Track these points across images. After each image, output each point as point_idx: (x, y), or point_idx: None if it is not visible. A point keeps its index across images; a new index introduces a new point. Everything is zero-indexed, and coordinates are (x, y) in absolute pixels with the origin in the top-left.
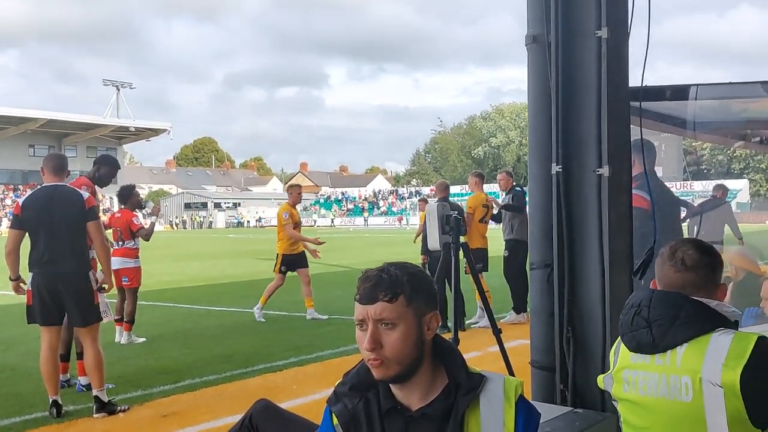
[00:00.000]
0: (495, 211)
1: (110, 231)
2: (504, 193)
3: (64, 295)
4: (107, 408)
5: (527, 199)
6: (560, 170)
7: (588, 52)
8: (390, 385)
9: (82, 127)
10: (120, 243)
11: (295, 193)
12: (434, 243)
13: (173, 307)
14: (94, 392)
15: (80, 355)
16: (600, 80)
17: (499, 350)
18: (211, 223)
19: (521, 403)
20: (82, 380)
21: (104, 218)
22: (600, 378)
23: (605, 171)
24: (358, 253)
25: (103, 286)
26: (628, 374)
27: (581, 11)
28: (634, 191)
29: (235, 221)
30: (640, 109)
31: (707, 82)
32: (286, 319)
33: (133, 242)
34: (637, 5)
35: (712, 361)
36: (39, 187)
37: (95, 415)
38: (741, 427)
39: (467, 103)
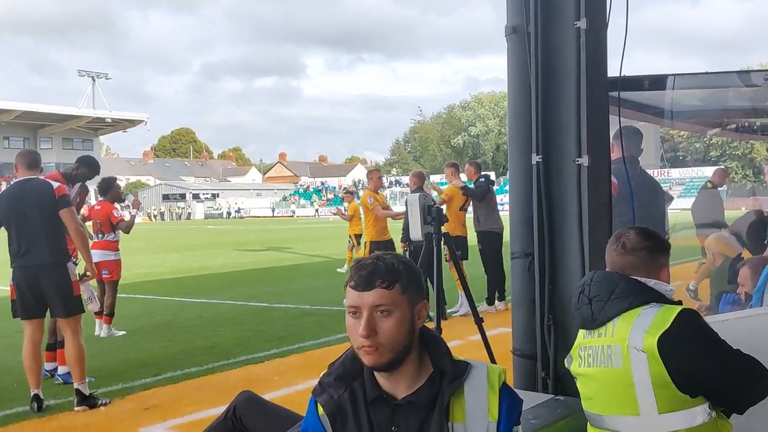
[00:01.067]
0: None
1: (90, 223)
2: (472, 184)
3: (44, 288)
4: (88, 401)
5: (507, 188)
6: (540, 160)
7: (567, 43)
8: (377, 374)
9: (58, 118)
10: (100, 236)
11: (375, 177)
12: (416, 233)
13: (153, 300)
14: (75, 385)
15: (61, 344)
16: (579, 70)
17: (481, 339)
18: (189, 214)
19: (505, 390)
20: (61, 369)
21: (84, 210)
22: (564, 359)
23: (585, 161)
24: (339, 243)
25: (87, 273)
26: (581, 351)
27: (560, 2)
28: None
29: (216, 212)
30: (619, 99)
31: (684, 71)
32: (267, 311)
33: (113, 235)
34: None
35: (637, 330)
36: (14, 182)
37: (76, 408)
38: (666, 391)
39: (446, 92)
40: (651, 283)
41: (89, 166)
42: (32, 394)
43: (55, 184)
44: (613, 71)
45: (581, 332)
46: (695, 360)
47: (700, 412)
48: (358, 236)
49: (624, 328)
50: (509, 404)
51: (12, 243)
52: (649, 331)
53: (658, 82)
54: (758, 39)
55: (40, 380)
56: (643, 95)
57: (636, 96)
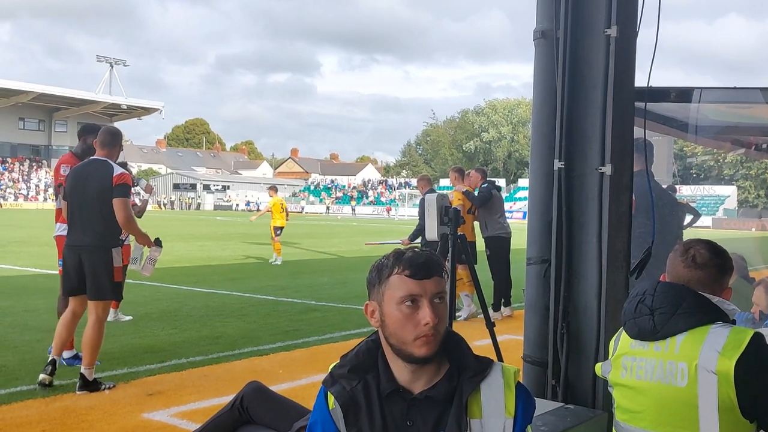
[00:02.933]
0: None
1: None
2: (476, 191)
3: (85, 267)
4: (90, 387)
5: (517, 196)
6: (562, 166)
7: (596, 50)
8: (403, 366)
9: (74, 102)
10: None
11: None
12: (432, 233)
13: (160, 287)
14: (82, 369)
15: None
16: (607, 78)
17: (492, 343)
18: (199, 204)
19: (520, 388)
20: (66, 354)
21: None
22: (598, 365)
23: (607, 169)
24: (346, 241)
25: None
26: (627, 360)
27: (591, 8)
28: None
29: (226, 204)
30: (645, 110)
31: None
32: (272, 304)
33: None
34: (647, 4)
35: (709, 350)
36: (84, 161)
37: (78, 392)
38: (731, 415)
39: (457, 96)
40: (715, 300)
41: (94, 132)
42: (50, 358)
43: (118, 171)
44: (637, 82)
45: (627, 340)
46: (765, 386)
47: None
48: (279, 228)
49: (692, 346)
50: (525, 402)
51: (69, 218)
52: (722, 353)
53: (684, 94)
54: None
55: (62, 349)
56: (667, 107)
57: (660, 108)
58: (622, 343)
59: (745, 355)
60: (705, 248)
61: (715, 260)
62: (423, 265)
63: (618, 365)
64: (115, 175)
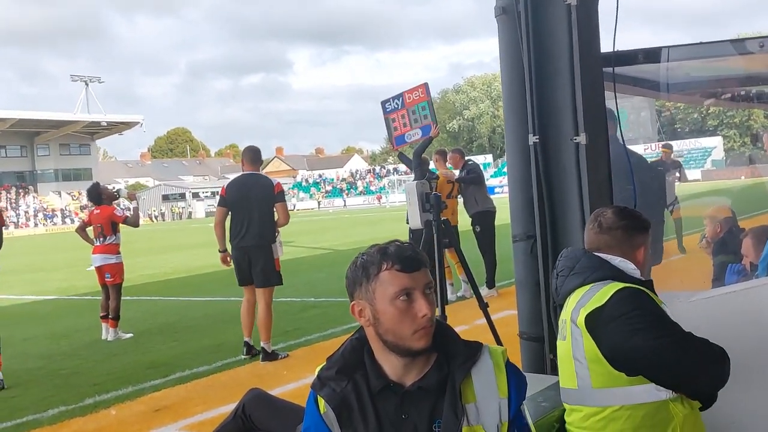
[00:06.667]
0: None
1: (91, 228)
2: (458, 172)
3: (252, 262)
4: (270, 356)
5: (506, 170)
6: (537, 140)
7: (558, 20)
8: (394, 360)
9: (54, 124)
10: (101, 239)
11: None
12: (415, 221)
13: (157, 301)
14: (262, 344)
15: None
16: (572, 48)
17: (487, 323)
18: (190, 213)
19: (510, 368)
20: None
21: (83, 216)
22: None
23: (582, 139)
24: (341, 234)
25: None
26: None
27: None
28: None
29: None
30: (614, 75)
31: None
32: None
33: (114, 237)
34: None
35: (579, 305)
36: (240, 174)
37: (261, 362)
38: (600, 366)
39: (431, 77)
40: (616, 261)
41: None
42: (244, 341)
43: (274, 181)
44: (603, 47)
45: None
46: (627, 339)
47: (641, 392)
48: None
49: (572, 302)
50: (517, 381)
51: (234, 225)
52: (585, 307)
53: (652, 54)
54: (735, 13)
55: (251, 331)
56: (637, 69)
57: (630, 71)
58: None
59: (602, 308)
60: (612, 212)
61: (620, 222)
62: (412, 257)
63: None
64: (275, 184)
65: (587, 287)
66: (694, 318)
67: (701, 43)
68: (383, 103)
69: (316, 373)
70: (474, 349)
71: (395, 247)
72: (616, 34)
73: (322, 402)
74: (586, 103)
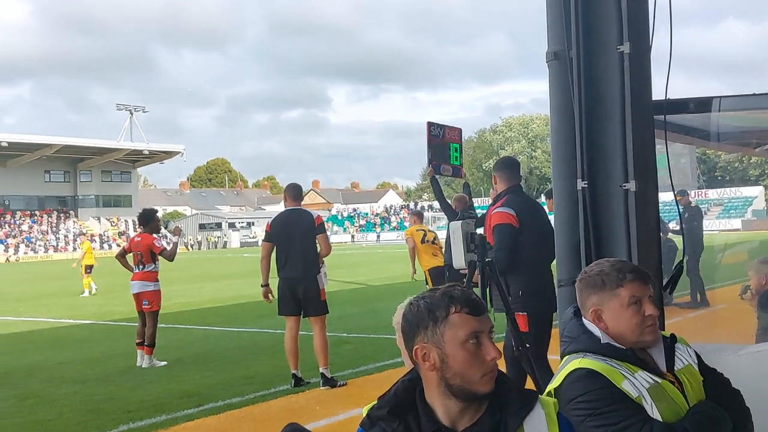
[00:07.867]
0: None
1: (131, 255)
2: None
3: (299, 293)
4: (330, 382)
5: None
6: (585, 186)
7: (610, 67)
8: (453, 404)
9: (97, 151)
10: (140, 267)
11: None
12: (459, 261)
13: (192, 329)
14: (321, 369)
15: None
16: (623, 94)
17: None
18: (225, 243)
19: (562, 419)
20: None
21: (123, 243)
22: None
23: (632, 186)
24: (374, 269)
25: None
26: None
27: (603, 26)
28: (501, 208)
29: (252, 240)
30: (665, 123)
31: (727, 94)
32: (304, 339)
33: (153, 265)
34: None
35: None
36: (284, 210)
37: (321, 388)
38: None
39: (467, 118)
40: (587, 323)
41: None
42: (292, 373)
43: (315, 214)
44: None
45: None
46: (578, 425)
47: None
48: (90, 267)
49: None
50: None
51: (279, 257)
52: (551, 383)
53: (703, 104)
54: None
55: (297, 363)
56: (687, 117)
57: (680, 119)
58: None
59: (557, 389)
60: (595, 265)
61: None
62: (477, 301)
63: None
64: (315, 217)
65: (564, 359)
66: (742, 371)
67: (753, 94)
68: (429, 124)
69: (365, 411)
70: (530, 398)
71: (460, 291)
72: (668, 81)
73: None
74: (637, 150)
